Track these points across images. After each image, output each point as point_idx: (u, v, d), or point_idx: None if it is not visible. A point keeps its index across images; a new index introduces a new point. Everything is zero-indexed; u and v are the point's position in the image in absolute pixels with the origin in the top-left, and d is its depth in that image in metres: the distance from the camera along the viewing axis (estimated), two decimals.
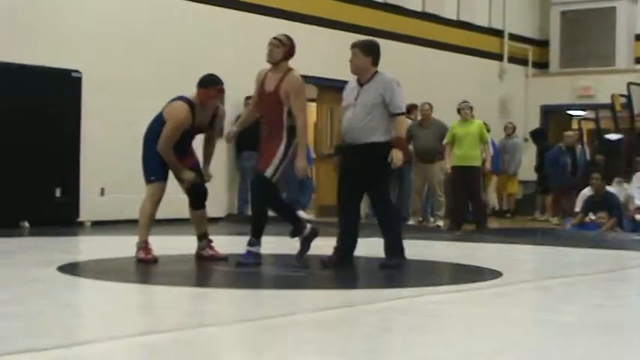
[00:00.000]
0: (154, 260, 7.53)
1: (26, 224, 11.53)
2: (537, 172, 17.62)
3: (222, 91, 7.71)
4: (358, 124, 7.43)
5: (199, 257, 7.86)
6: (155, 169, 7.68)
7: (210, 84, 7.67)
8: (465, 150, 12.79)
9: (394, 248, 7.56)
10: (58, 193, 12.02)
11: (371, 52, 7.61)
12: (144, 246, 7.62)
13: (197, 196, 7.85)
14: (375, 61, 7.62)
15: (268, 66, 7.67)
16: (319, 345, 4.36)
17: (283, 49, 7.61)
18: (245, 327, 4.84)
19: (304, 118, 7.61)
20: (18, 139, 11.54)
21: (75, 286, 6.58)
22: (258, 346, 4.45)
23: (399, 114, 7.48)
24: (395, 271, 7.34)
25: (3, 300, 5.54)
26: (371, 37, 7.98)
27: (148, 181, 7.72)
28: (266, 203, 7.68)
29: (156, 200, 7.70)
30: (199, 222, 7.92)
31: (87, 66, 12.20)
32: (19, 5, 11.83)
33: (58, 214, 11.94)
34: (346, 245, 7.59)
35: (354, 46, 7.68)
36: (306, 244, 7.97)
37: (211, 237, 7.93)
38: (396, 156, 7.35)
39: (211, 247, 7.91)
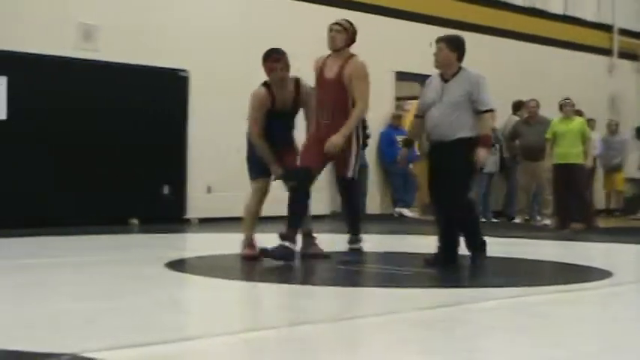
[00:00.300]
0: (259, 257, 7.59)
1: (135, 221, 11.78)
2: None
3: (277, 61, 7.54)
4: (445, 122, 7.30)
5: (303, 255, 7.89)
6: (256, 166, 7.73)
7: (266, 57, 7.62)
8: (566, 147, 12.56)
9: (474, 246, 7.49)
10: (165, 190, 12.24)
11: (457, 47, 7.42)
12: (249, 243, 7.70)
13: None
14: (460, 57, 7.45)
15: (325, 54, 7.54)
16: (422, 344, 4.33)
17: (346, 35, 7.48)
18: (347, 324, 4.83)
19: (364, 105, 7.37)
20: (127, 138, 11.80)
21: (182, 282, 6.68)
22: (360, 344, 4.44)
23: (485, 111, 7.34)
24: (480, 267, 7.40)
25: (113, 295, 5.67)
26: (457, 34, 7.85)
27: (251, 178, 7.78)
28: (356, 200, 7.83)
29: (259, 197, 7.75)
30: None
31: (194, 65, 12.40)
32: (128, 8, 12.09)
33: (165, 212, 12.17)
34: (447, 244, 7.48)
35: (440, 40, 7.46)
36: (276, 253, 7.24)
37: (315, 234, 7.95)
38: (481, 154, 7.23)
39: (315, 245, 7.93)
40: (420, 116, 7.54)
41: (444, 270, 7.25)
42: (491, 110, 7.42)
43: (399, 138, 14.65)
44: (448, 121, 7.28)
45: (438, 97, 7.36)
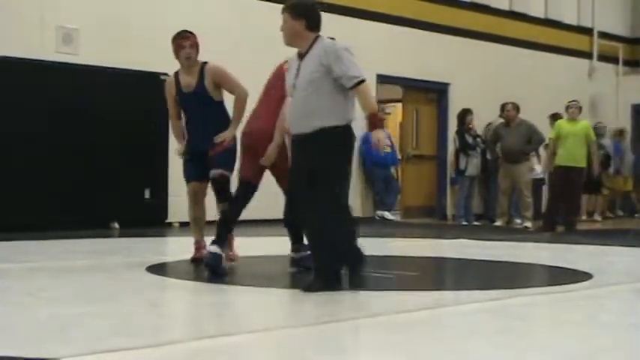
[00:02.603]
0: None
1: (116, 225, 11.74)
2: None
3: (186, 39, 7.44)
4: (299, 109, 5.97)
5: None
6: (186, 170, 7.64)
7: (175, 36, 7.54)
8: (569, 149, 12.58)
9: (320, 269, 6.00)
10: (147, 194, 12.20)
11: (303, 13, 6.03)
12: (197, 246, 7.68)
13: (216, 191, 7.45)
14: (312, 25, 6.07)
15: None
16: (404, 347, 4.33)
17: None
18: (330, 328, 4.83)
19: None
20: (108, 141, 11.77)
21: (163, 286, 6.66)
22: (341, 348, 4.44)
23: (358, 83, 5.89)
24: (310, 291, 5.85)
25: (94, 300, 5.64)
26: None
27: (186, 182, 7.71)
28: None
29: (192, 201, 7.62)
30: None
31: (175, 69, 12.34)
32: (108, 11, 12.06)
33: (147, 216, 12.13)
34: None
35: (283, 10, 6.12)
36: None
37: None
38: (376, 136, 5.90)
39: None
40: None
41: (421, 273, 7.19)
42: (363, 81, 5.93)
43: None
44: (303, 107, 5.96)
45: (294, 79, 6.08)
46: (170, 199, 12.41)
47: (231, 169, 7.40)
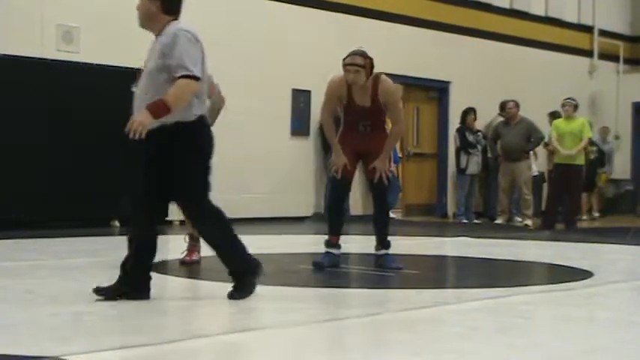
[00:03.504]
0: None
1: (116, 223, 11.73)
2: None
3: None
4: (140, 101, 5.35)
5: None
6: None
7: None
8: (567, 147, 12.59)
9: (234, 270, 5.60)
10: None
11: None
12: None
13: None
14: (167, 8, 5.53)
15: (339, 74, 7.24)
16: (405, 345, 4.33)
17: (365, 72, 7.12)
18: (330, 326, 4.83)
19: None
20: (108, 139, 11.74)
21: (164, 284, 6.65)
22: (343, 346, 4.44)
23: (181, 77, 5.23)
24: (241, 298, 5.51)
25: (93, 298, 5.63)
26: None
27: None
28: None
29: None
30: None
31: None
32: (112, 10, 12.05)
33: None
34: (135, 270, 5.63)
35: None
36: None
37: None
38: (138, 118, 5.29)
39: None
40: None
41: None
42: (189, 77, 5.24)
43: None
44: (141, 100, 5.39)
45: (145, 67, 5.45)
46: None
47: None
